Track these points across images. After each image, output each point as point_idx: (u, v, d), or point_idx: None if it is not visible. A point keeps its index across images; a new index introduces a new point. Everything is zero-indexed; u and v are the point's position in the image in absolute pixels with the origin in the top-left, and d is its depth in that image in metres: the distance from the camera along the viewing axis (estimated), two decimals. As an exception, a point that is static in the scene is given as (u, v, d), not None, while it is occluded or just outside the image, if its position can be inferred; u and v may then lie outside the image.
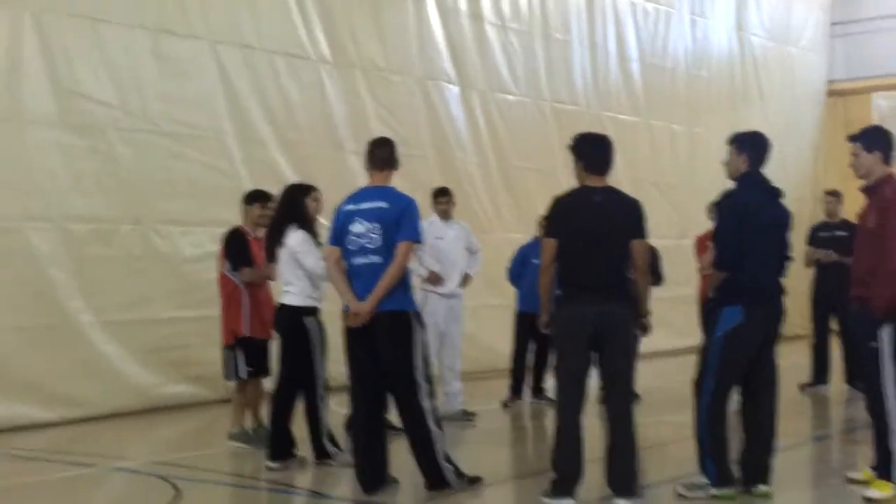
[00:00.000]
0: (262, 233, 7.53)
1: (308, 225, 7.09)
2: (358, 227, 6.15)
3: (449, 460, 6.16)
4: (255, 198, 7.85)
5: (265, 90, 10.80)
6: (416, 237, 6.15)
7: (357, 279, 6.17)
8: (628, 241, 5.91)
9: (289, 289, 7.08)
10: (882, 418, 5.99)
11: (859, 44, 18.94)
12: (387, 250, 6.07)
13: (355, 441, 6.31)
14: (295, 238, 6.99)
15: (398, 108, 12.03)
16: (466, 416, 9.04)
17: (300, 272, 6.99)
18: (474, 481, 6.28)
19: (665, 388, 10.76)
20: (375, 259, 6.09)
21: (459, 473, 6.20)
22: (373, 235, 6.09)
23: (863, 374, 6.36)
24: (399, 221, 6.07)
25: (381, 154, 6.31)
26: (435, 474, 6.12)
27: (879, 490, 5.92)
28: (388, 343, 6.08)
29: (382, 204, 6.13)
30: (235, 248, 7.68)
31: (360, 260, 6.15)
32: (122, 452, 7.85)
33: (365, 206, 6.18)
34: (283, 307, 7.12)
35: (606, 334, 5.79)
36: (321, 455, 7.02)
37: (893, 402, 5.94)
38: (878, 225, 6.01)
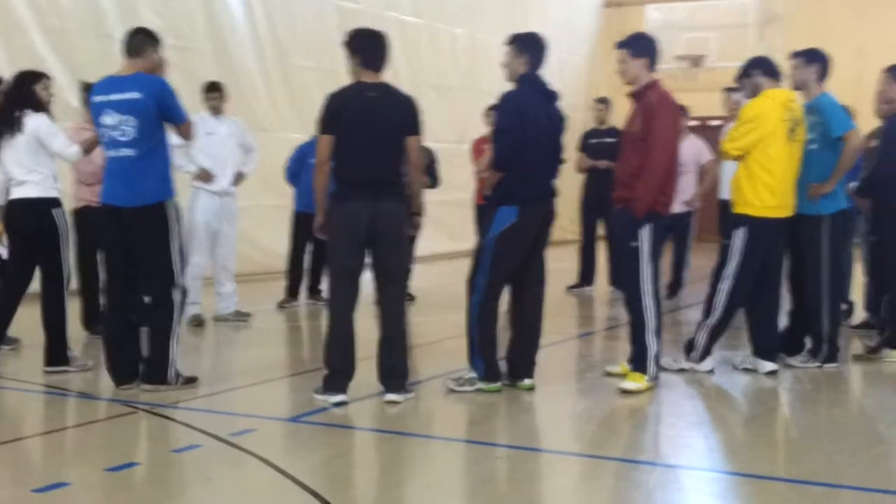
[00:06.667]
0: None
1: (44, 111, 6.71)
2: (108, 118, 5.94)
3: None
4: None
5: (25, -29, 10.04)
6: (184, 118, 6.07)
7: (110, 174, 5.98)
8: (403, 138, 5.87)
9: (31, 178, 6.65)
10: (639, 314, 6.30)
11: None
12: (142, 142, 5.88)
13: (108, 335, 6.15)
14: (36, 121, 6.61)
15: (170, -4, 11.46)
16: (240, 317, 8.91)
17: (42, 159, 6.64)
18: (190, 381, 6.19)
19: (440, 289, 10.95)
20: (128, 152, 5.91)
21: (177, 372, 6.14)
22: (126, 128, 5.88)
23: (623, 273, 6.64)
24: (160, 109, 5.91)
25: (131, 42, 6.08)
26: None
27: (634, 382, 6.25)
28: (146, 236, 5.93)
29: (135, 94, 5.89)
30: None
31: (112, 153, 5.97)
32: None
33: (115, 97, 5.93)
34: (23, 201, 6.66)
35: (380, 232, 5.78)
36: (61, 361, 6.67)
37: (650, 298, 6.27)
38: (642, 129, 6.22)
